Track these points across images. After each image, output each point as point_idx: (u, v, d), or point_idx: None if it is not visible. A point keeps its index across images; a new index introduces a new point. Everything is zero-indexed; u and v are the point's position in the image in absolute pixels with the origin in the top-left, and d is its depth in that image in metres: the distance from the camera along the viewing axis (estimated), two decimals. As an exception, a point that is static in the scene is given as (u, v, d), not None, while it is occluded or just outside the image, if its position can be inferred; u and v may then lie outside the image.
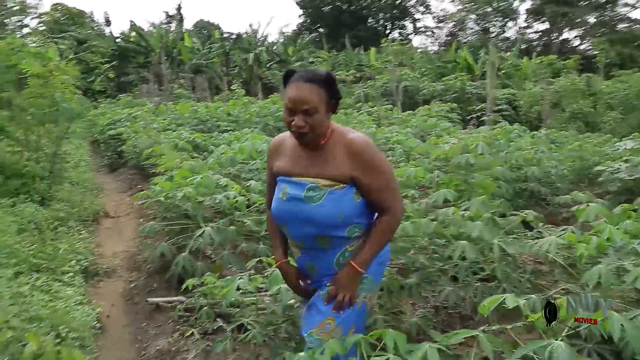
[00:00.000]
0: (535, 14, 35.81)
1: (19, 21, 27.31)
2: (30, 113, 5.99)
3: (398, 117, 11.27)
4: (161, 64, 20.42)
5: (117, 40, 26.24)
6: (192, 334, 3.07)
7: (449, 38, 39.11)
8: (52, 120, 6.11)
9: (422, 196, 4.21)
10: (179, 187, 4.12)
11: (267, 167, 2.08)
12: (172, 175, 4.48)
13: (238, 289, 2.67)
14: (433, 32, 42.89)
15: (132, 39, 25.93)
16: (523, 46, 30.16)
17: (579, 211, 3.11)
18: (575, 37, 34.73)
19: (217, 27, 36.30)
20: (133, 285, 4.16)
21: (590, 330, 2.04)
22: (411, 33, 42.69)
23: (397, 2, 40.63)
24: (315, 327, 1.91)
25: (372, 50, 24.41)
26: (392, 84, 15.39)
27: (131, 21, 29.59)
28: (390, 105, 13.90)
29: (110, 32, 28.85)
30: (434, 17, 42.71)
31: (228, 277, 2.88)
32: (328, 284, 1.93)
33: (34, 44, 7.70)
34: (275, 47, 27.90)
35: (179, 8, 34.49)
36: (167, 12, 37.31)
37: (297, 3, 40.27)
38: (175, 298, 3.63)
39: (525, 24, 38.05)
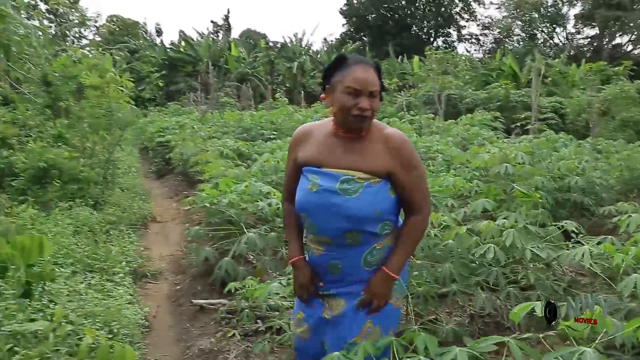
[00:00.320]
0: (584, 19, 34.69)
1: (78, 33, 28.70)
2: (87, 121, 6.36)
3: (440, 126, 11.21)
4: (208, 73, 21.01)
5: (168, 49, 27.17)
6: (234, 334, 3.21)
7: (494, 45, 38.43)
8: (106, 128, 6.46)
9: (461, 206, 4.22)
10: (224, 194, 4.30)
11: (289, 158, 2.00)
12: (217, 183, 4.67)
13: (272, 292, 2.79)
14: (478, 39, 42.23)
15: (181, 49, 26.81)
16: (572, 52, 29.27)
17: (621, 221, 3.07)
18: (628, 42, 33.40)
19: (264, 36, 37.05)
20: (178, 287, 4.36)
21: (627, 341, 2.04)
22: (455, 40, 42.18)
23: (442, 9, 40.27)
24: (358, 334, 1.90)
25: (416, 58, 24.31)
26: (434, 93, 15.28)
27: (181, 31, 30.60)
28: (432, 114, 13.81)
29: (162, 42, 29.98)
30: (479, 24, 41.94)
31: (267, 281, 3.00)
32: (362, 293, 1.90)
33: (91, 55, 8.12)
34: (319, 56, 28.20)
35: (226, 18, 35.38)
36: (215, 22, 38.25)
37: (341, 12, 40.57)
38: (218, 300, 3.79)
39: (574, 30, 36.93)
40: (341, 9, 40.52)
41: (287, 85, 25.09)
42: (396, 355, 1.79)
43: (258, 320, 3.32)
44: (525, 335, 2.14)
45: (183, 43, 27.50)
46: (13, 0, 4.50)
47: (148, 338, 3.34)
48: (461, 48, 45.78)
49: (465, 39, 42.71)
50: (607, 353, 2.29)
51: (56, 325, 2.35)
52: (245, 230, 4.01)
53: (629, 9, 30.36)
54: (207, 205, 4.34)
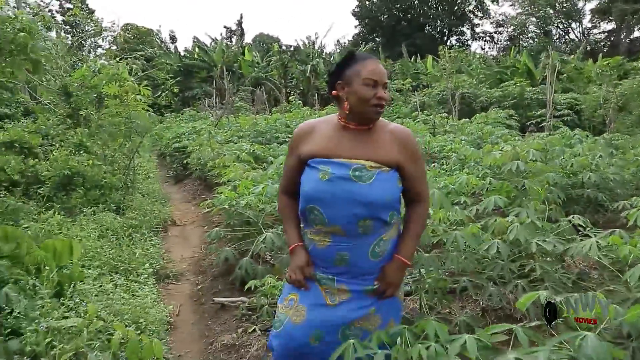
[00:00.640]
0: (601, 13, 34.29)
1: (94, 42, 29.21)
2: (107, 130, 6.57)
3: (454, 125, 11.24)
4: (223, 78, 21.28)
5: (182, 56, 27.56)
6: (254, 330, 3.34)
7: (509, 43, 38.16)
8: (126, 135, 6.67)
9: (474, 203, 4.30)
10: (242, 196, 4.44)
11: (291, 153, 2.03)
12: (235, 185, 4.81)
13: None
14: (492, 37, 41.99)
15: (195, 55, 27.17)
16: (588, 48, 28.94)
17: (630, 215, 3.14)
18: (647, 35, 32.93)
19: (277, 40, 37.31)
20: (199, 287, 4.50)
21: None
22: (469, 39, 41.98)
23: (455, 8, 40.13)
24: (357, 319, 1.95)
25: (429, 57, 24.30)
26: (448, 92, 15.30)
27: (194, 37, 31.06)
28: (446, 113, 13.83)
29: (176, 48, 30.38)
30: (492, 22, 41.68)
31: (285, 279, 3.12)
32: (375, 282, 1.95)
33: (106, 63, 8.36)
34: (332, 58, 28.34)
35: (239, 23, 35.77)
36: (228, 28, 38.65)
37: (353, 14, 40.66)
38: (238, 298, 3.92)
39: (591, 25, 36.51)
40: (353, 10, 40.66)
41: (301, 88, 25.27)
42: (408, 342, 1.89)
43: (277, 317, 3.44)
44: (533, 324, 2.23)
45: (197, 49, 27.89)
46: (36, 15, 4.71)
47: (173, 335, 3.49)
48: (475, 46, 45.56)
49: (479, 37, 42.53)
50: (615, 341, 2.36)
51: (89, 321, 2.50)
52: (263, 230, 4.15)
53: (645, 1, 29.94)
54: (226, 207, 4.48)
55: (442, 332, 1.91)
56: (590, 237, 3.04)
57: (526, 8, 37.48)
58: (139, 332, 2.80)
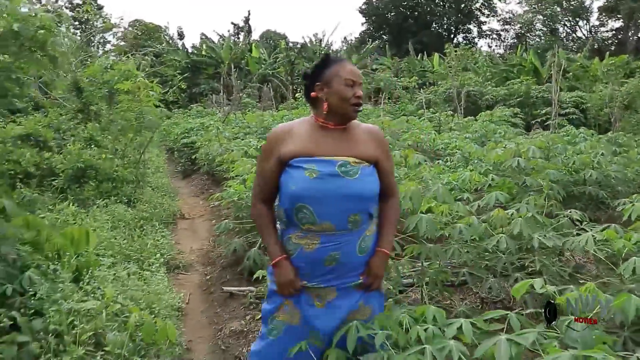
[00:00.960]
0: (609, 11, 34.13)
1: (102, 38, 29.43)
2: (119, 124, 6.73)
3: (459, 123, 11.32)
4: (230, 74, 21.42)
5: (190, 53, 27.71)
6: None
7: (515, 40, 38.07)
8: (137, 130, 6.82)
9: (476, 199, 4.41)
10: (250, 189, 4.58)
11: (268, 156, 1.98)
12: (244, 179, 4.95)
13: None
14: (499, 35, 41.89)
15: (203, 52, 27.31)
16: (595, 46, 28.87)
17: (625, 210, 3.25)
18: (655, 34, 32.73)
19: (284, 37, 37.39)
20: (208, 277, 4.65)
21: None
22: (476, 37, 41.90)
23: (462, 6, 40.07)
24: (350, 313, 2.04)
25: (436, 55, 24.33)
26: (453, 90, 15.36)
27: (202, 34, 31.18)
28: (451, 111, 13.90)
29: (183, 45, 30.49)
30: (499, 20, 41.57)
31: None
32: (361, 277, 2.03)
33: (116, 59, 8.53)
34: (338, 55, 28.38)
35: (247, 20, 35.81)
36: (236, 24, 38.76)
37: (360, 11, 40.67)
38: (246, 287, 4.07)
39: (598, 22, 36.35)
40: (360, 7, 40.65)
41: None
42: (408, 325, 2.02)
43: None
44: (527, 311, 2.35)
45: (205, 46, 28.01)
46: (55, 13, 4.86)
47: (183, 321, 3.64)
48: (482, 44, 45.45)
49: (486, 35, 42.44)
50: (609, 331, 2.47)
51: (106, 304, 2.65)
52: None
53: (654, -1, 29.79)
54: (235, 199, 4.62)
55: (440, 317, 2.04)
56: (587, 231, 3.16)
57: (533, 6, 37.35)
58: (153, 316, 2.94)
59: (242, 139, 9.04)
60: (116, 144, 7.11)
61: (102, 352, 2.41)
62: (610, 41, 34.18)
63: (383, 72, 21.57)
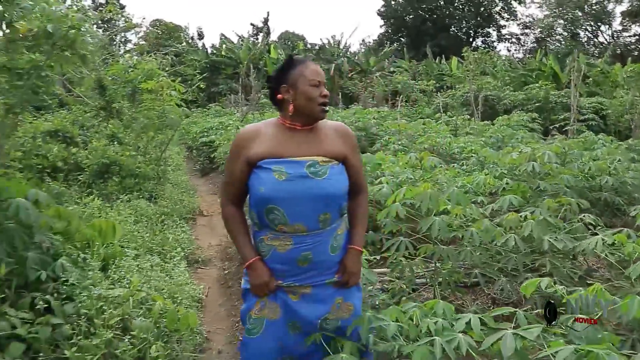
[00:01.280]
0: (632, 15, 33.67)
1: (124, 37, 29.92)
2: (141, 123, 6.93)
3: (475, 127, 11.34)
4: (249, 75, 21.63)
5: (209, 53, 28.03)
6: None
7: (535, 45, 37.75)
8: (158, 128, 7.01)
9: (490, 202, 4.47)
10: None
11: (236, 157, 1.97)
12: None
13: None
14: (518, 39, 41.56)
15: (222, 52, 27.62)
16: (618, 51, 28.50)
17: (638, 215, 3.31)
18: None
19: (302, 38, 37.57)
20: (227, 272, 4.79)
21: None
22: (495, 40, 41.64)
23: (481, 9, 39.86)
24: (329, 310, 2.03)
25: (454, 59, 24.28)
26: (471, 94, 15.36)
27: (221, 35, 31.49)
28: (468, 115, 13.90)
29: (203, 45, 30.87)
30: (519, 24, 41.24)
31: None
32: (336, 275, 2.04)
33: (139, 58, 8.74)
34: (356, 58, 28.48)
35: (265, 21, 36.08)
36: (255, 25, 39.09)
37: (379, 13, 40.69)
38: (263, 282, 4.18)
39: (621, 27, 35.87)
40: (379, 10, 40.67)
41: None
42: (419, 319, 2.11)
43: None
44: (536, 311, 2.43)
45: (224, 46, 28.32)
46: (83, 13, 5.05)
47: (202, 313, 3.77)
48: (501, 48, 45.12)
49: (505, 39, 42.14)
50: (618, 333, 2.53)
51: (133, 292, 2.79)
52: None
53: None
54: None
55: (449, 312, 2.13)
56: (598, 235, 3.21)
57: (554, 10, 37.00)
58: (175, 305, 3.07)
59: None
60: (138, 141, 7.31)
61: (129, 337, 2.55)
62: (633, 46, 33.71)
63: (400, 75, 21.61)
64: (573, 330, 1.88)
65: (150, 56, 8.53)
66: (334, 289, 2.05)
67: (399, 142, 7.75)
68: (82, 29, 4.12)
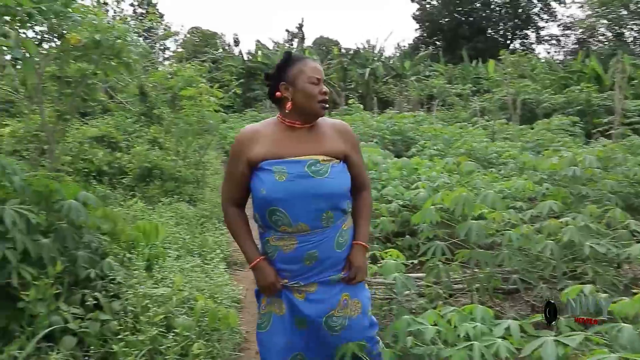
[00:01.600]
0: (681, 15, 32.32)
1: (163, 45, 30.70)
2: (181, 128, 7.13)
3: (513, 131, 11.14)
4: (283, 80, 21.80)
5: (246, 59, 28.48)
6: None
7: (576, 46, 36.71)
8: (198, 133, 7.20)
9: (530, 208, 4.40)
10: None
11: (237, 160, 1.97)
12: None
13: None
14: (558, 41, 40.50)
15: (258, 58, 28.01)
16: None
17: (687, 222, 3.21)
18: None
19: (336, 43, 37.70)
20: (264, 274, 4.86)
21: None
22: (534, 42, 40.70)
23: (519, 11, 39.07)
24: (335, 306, 2.00)
25: (491, 62, 23.89)
26: (509, 97, 15.09)
27: (257, 41, 31.93)
28: (505, 120, 13.67)
29: (240, 52, 31.35)
30: (559, 25, 40.18)
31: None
32: (343, 271, 2.02)
33: (179, 65, 9.01)
34: (391, 62, 28.38)
35: (300, 26, 36.37)
36: (290, 31, 39.47)
37: (414, 17, 40.42)
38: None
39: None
40: (414, 13, 40.41)
41: (360, 91, 25.49)
42: (456, 324, 2.11)
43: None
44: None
45: (260, 52, 28.71)
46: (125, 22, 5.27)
47: (241, 314, 3.85)
48: (540, 50, 44.07)
49: (545, 41, 41.13)
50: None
51: (175, 291, 2.90)
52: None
53: None
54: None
55: (488, 316, 2.12)
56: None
57: (596, 9, 35.88)
58: (216, 304, 3.16)
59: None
60: (178, 145, 7.52)
61: (173, 334, 2.64)
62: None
63: (436, 78, 21.43)
64: (619, 334, 1.84)
65: (190, 63, 8.78)
66: (340, 285, 2.03)
67: (435, 147, 7.70)
68: (127, 39, 4.30)
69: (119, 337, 2.56)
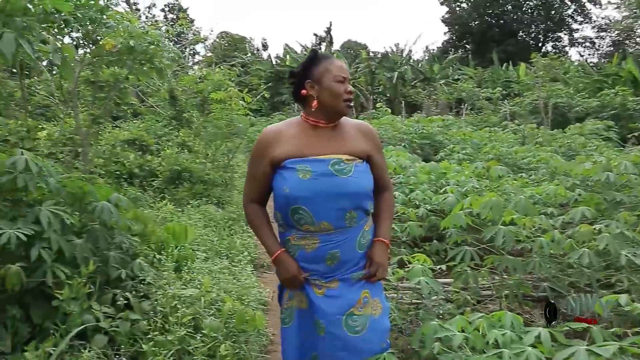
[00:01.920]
0: None
1: (192, 49, 31.27)
2: (211, 131, 7.24)
3: (544, 136, 10.93)
4: (311, 84, 21.90)
5: (274, 63, 28.73)
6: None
7: (612, 48, 35.76)
8: (226, 136, 7.30)
9: (561, 214, 4.31)
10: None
11: (259, 159, 1.97)
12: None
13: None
14: (593, 43, 39.53)
15: (286, 62, 28.21)
16: None
17: None
18: None
19: (364, 47, 37.67)
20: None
21: None
22: (567, 45, 39.82)
23: (552, 12, 38.30)
24: (355, 303, 1.96)
25: (522, 65, 23.48)
26: (540, 101, 14.80)
27: (285, 45, 32.18)
28: (537, 124, 13.41)
29: (268, 56, 31.67)
30: (594, 27, 39.22)
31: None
32: (366, 267, 2.00)
33: (206, 69, 9.17)
34: (419, 65, 28.20)
35: (328, 30, 36.49)
36: (317, 35, 39.66)
37: (443, 20, 40.09)
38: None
39: None
40: (443, 16, 40.08)
41: (387, 95, 25.40)
42: (485, 330, 2.08)
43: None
44: (612, 330, 2.32)
45: (288, 56, 28.91)
46: (157, 28, 5.39)
47: (267, 316, 3.87)
48: (573, 53, 43.08)
49: (578, 43, 40.21)
50: None
51: (204, 293, 2.93)
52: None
53: None
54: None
55: (518, 323, 2.08)
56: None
57: (634, 10, 34.87)
58: (243, 306, 3.19)
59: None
60: (207, 149, 7.63)
61: (201, 335, 2.68)
62: None
63: (465, 82, 21.19)
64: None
65: (219, 67, 8.91)
66: (361, 282, 2.00)
67: (464, 151, 7.61)
68: (159, 44, 4.39)
69: (149, 336, 2.61)
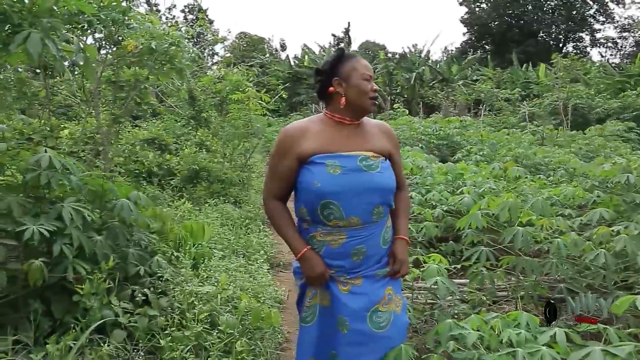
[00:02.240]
0: None
1: (211, 50, 31.52)
2: (229, 131, 7.31)
3: (564, 137, 10.80)
4: (329, 85, 21.91)
5: (292, 64, 28.83)
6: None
7: (635, 49, 35.11)
8: (243, 136, 7.36)
9: (579, 216, 4.26)
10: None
11: (284, 155, 1.96)
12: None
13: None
14: (615, 43, 38.85)
15: (305, 62, 28.29)
16: None
17: None
18: None
19: (382, 47, 37.59)
20: (306, 276, 4.91)
21: None
22: (588, 45, 39.19)
23: (573, 12, 37.73)
24: (380, 299, 1.99)
25: (542, 66, 23.20)
26: (559, 102, 14.61)
27: (304, 45, 32.26)
28: (556, 125, 13.24)
29: (287, 56, 31.77)
30: (616, 27, 38.54)
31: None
32: (389, 264, 2.04)
33: (225, 70, 9.25)
34: (438, 66, 28.03)
35: (346, 31, 36.49)
36: (336, 36, 39.69)
37: (462, 21, 39.80)
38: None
39: None
40: (462, 17, 39.80)
41: (405, 96, 25.30)
42: (500, 329, 2.08)
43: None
44: (628, 330, 2.30)
45: (306, 57, 28.99)
46: (177, 29, 5.46)
47: (283, 314, 3.91)
48: (594, 53, 42.36)
49: (600, 44, 39.55)
50: None
51: (220, 290, 2.98)
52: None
53: None
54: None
55: (533, 323, 2.08)
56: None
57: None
58: (259, 304, 3.23)
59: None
60: (225, 148, 7.71)
61: (217, 331, 2.72)
62: None
63: (484, 83, 20.99)
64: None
65: (237, 67, 8.99)
66: (385, 279, 2.03)
67: (481, 152, 7.56)
68: (179, 45, 4.46)
69: (166, 332, 2.66)
